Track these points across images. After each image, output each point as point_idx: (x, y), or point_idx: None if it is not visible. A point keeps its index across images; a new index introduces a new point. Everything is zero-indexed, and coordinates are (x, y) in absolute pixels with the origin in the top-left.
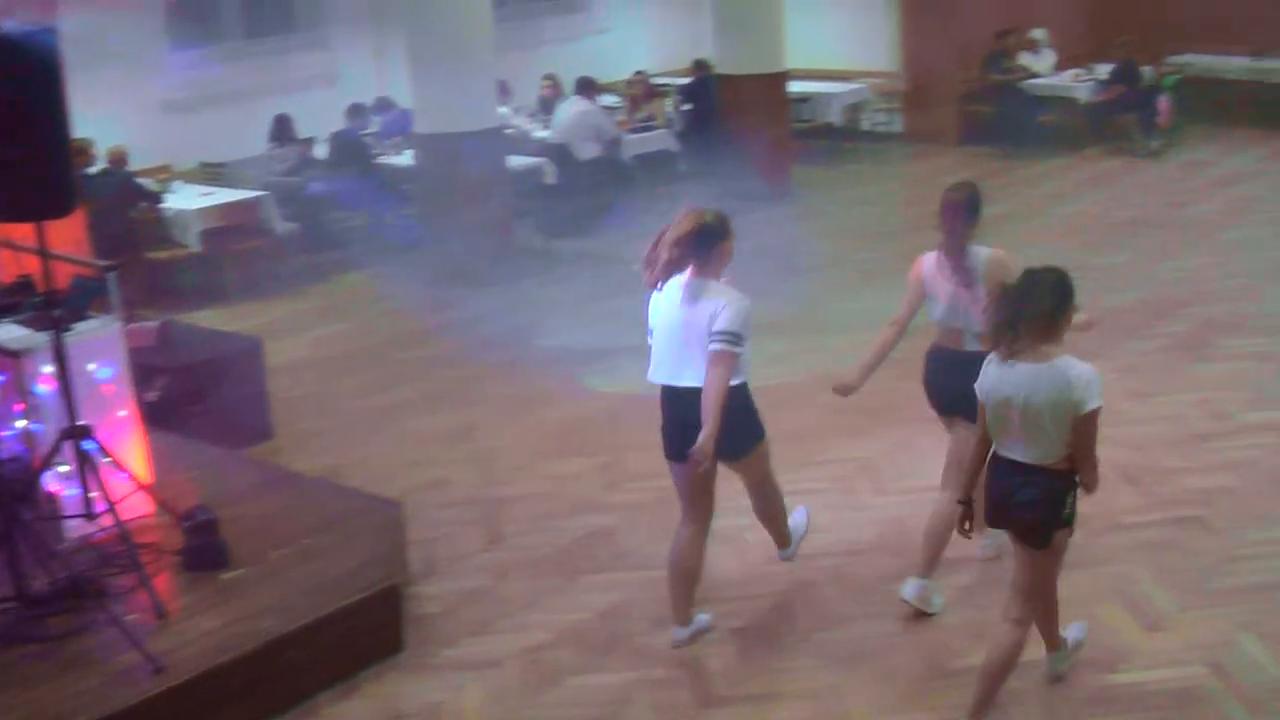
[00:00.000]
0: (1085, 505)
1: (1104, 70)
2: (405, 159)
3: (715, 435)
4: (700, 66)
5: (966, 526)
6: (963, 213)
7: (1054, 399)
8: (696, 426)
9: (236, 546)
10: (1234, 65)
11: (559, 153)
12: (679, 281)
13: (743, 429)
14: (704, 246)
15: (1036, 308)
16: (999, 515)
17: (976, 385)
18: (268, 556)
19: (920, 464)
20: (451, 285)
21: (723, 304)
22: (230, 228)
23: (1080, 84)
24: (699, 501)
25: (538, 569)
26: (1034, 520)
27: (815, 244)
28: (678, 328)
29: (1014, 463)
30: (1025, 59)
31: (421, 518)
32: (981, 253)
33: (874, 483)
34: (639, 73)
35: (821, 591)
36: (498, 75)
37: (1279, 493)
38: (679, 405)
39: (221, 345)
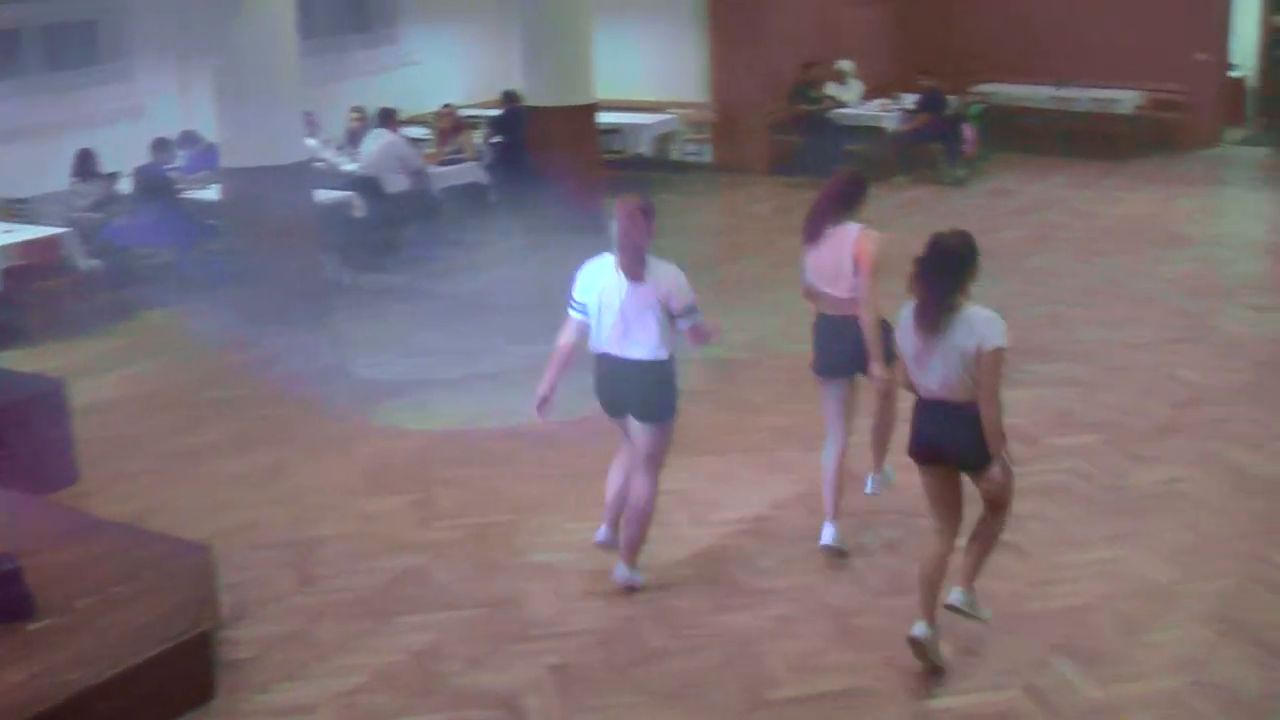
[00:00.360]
0: (897, 531)
1: (910, 100)
2: (211, 194)
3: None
4: (510, 98)
5: None
6: (839, 190)
7: (961, 344)
8: (634, 396)
9: (41, 596)
10: (1037, 94)
11: (367, 185)
12: (609, 261)
13: (668, 398)
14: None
15: (970, 272)
16: (935, 453)
17: (898, 341)
18: (74, 606)
19: (735, 495)
20: (259, 322)
21: (672, 282)
22: (32, 266)
23: (887, 114)
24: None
25: (351, 610)
26: (971, 445)
27: None
28: (622, 304)
29: (939, 402)
30: (832, 89)
31: (231, 560)
32: (853, 229)
33: (690, 514)
34: (447, 105)
35: (639, 626)
36: (306, 107)
37: (1087, 515)
38: (621, 373)
39: (23, 387)
